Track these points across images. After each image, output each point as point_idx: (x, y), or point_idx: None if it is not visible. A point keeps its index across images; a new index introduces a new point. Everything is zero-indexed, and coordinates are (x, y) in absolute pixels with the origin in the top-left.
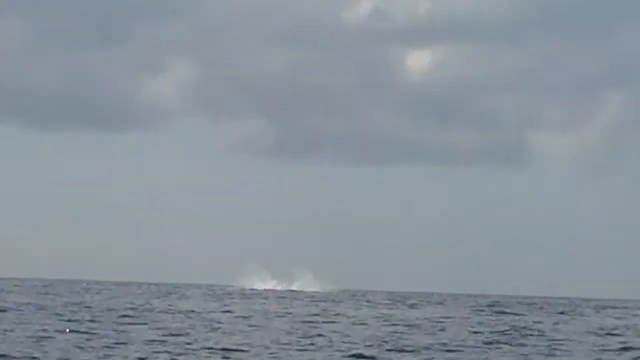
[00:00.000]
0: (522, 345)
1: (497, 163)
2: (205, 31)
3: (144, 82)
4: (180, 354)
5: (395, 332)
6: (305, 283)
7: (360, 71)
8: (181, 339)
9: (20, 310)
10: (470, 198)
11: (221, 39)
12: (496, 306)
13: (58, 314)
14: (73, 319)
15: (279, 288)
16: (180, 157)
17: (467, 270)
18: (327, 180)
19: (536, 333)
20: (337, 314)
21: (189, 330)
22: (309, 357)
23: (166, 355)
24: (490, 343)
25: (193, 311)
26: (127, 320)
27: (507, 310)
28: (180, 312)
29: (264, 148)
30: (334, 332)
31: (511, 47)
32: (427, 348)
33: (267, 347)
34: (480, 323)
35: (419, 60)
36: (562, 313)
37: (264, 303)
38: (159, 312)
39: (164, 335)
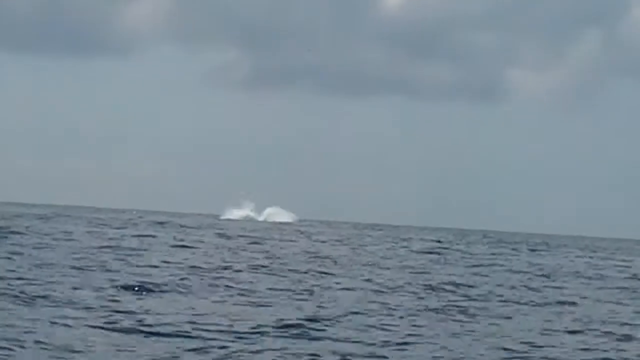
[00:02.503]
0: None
1: (472, 98)
2: None
3: (119, 8)
4: None
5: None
6: (276, 213)
7: (335, 3)
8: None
9: None
10: (444, 132)
11: None
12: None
13: None
14: None
15: (250, 216)
16: (155, 85)
17: (439, 204)
18: (301, 112)
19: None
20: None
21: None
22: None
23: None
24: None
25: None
26: None
27: (440, 243)
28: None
29: (239, 78)
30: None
31: None
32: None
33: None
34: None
35: None
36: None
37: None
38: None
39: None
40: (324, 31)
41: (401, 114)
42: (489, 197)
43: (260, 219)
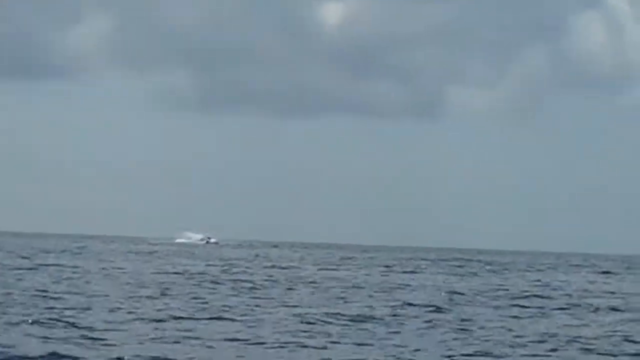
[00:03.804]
0: None
1: (417, 116)
2: None
3: (65, 32)
4: None
5: None
6: (227, 235)
7: (281, 24)
8: None
9: None
10: (389, 150)
11: None
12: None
13: None
14: None
15: (200, 241)
16: (102, 108)
17: (383, 222)
18: (248, 132)
19: None
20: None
21: None
22: None
23: None
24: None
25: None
26: None
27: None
28: None
29: (185, 100)
30: None
31: (431, 2)
32: None
33: None
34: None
35: (338, 13)
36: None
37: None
38: None
39: None
40: (269, 53)
41: (346, 132)
42: (432, 212)
43: (214, 240)
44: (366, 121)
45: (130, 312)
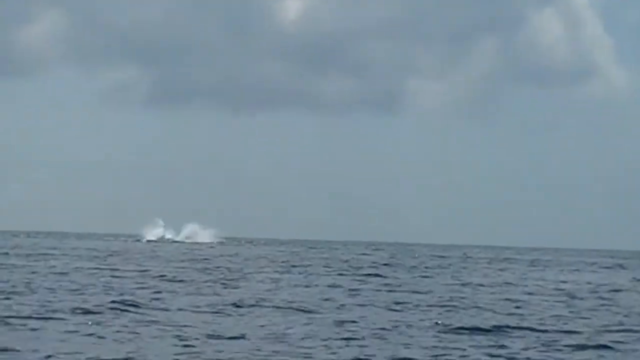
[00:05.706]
0: None
1: (373, 109)
2: None
3: (17, 31)
4: None
5: None
6: (193, 232)
7: (233, 20)
8: None
9: None
10: (346, 144)
11: None
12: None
13: None
14: None
15: (167, 237)
16: (54, 105)
17: (341, 217)
18: (202, 128)
19: None
20: None
21: None
22: None
23: None
24: None
25: None
26: None
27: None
28: None
29: (138, 96)
30: None
31: None
32: None
33: None
34: None
35: (293, 9)
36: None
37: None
38: None
39: None
40: (224, 48)
41: (303, 127)
42: (392, 207)
43: (178, 238)
44: (321, 115)
45: None
